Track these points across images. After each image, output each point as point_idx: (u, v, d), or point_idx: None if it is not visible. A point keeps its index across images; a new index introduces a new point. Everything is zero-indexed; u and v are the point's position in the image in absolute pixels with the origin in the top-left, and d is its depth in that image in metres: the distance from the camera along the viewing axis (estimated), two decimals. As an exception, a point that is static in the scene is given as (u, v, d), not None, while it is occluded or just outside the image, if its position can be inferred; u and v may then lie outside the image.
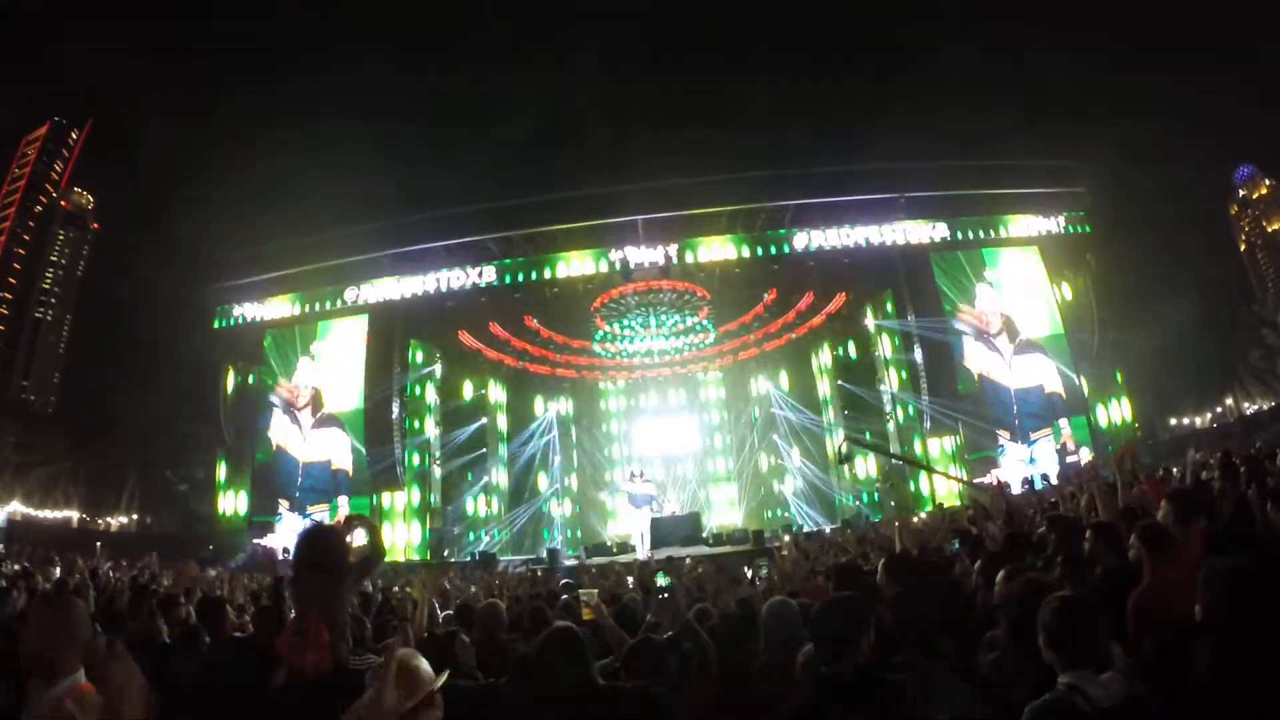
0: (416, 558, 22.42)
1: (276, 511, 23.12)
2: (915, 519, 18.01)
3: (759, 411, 30.57)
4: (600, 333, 26.61)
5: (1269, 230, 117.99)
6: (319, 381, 24.33)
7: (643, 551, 20.75)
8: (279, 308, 25.12)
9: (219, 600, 5.76)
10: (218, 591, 8.56)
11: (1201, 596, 2.64)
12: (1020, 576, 3.11)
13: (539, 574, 14.52)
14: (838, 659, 2.57)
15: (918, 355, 22.90)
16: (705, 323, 26.63)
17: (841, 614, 2.70)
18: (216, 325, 25.52)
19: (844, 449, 22.73)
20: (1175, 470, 10.69)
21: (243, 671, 3.26)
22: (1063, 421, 22.45)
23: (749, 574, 10.55)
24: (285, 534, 22.08)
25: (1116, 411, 23.22)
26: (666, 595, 4.79)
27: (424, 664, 2.24)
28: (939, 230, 23.71)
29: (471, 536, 25.82)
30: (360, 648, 2.98)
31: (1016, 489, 19.51)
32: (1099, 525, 4.59)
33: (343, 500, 22.77)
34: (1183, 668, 2.62)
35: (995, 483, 17.28)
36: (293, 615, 2.88)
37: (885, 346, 25.09)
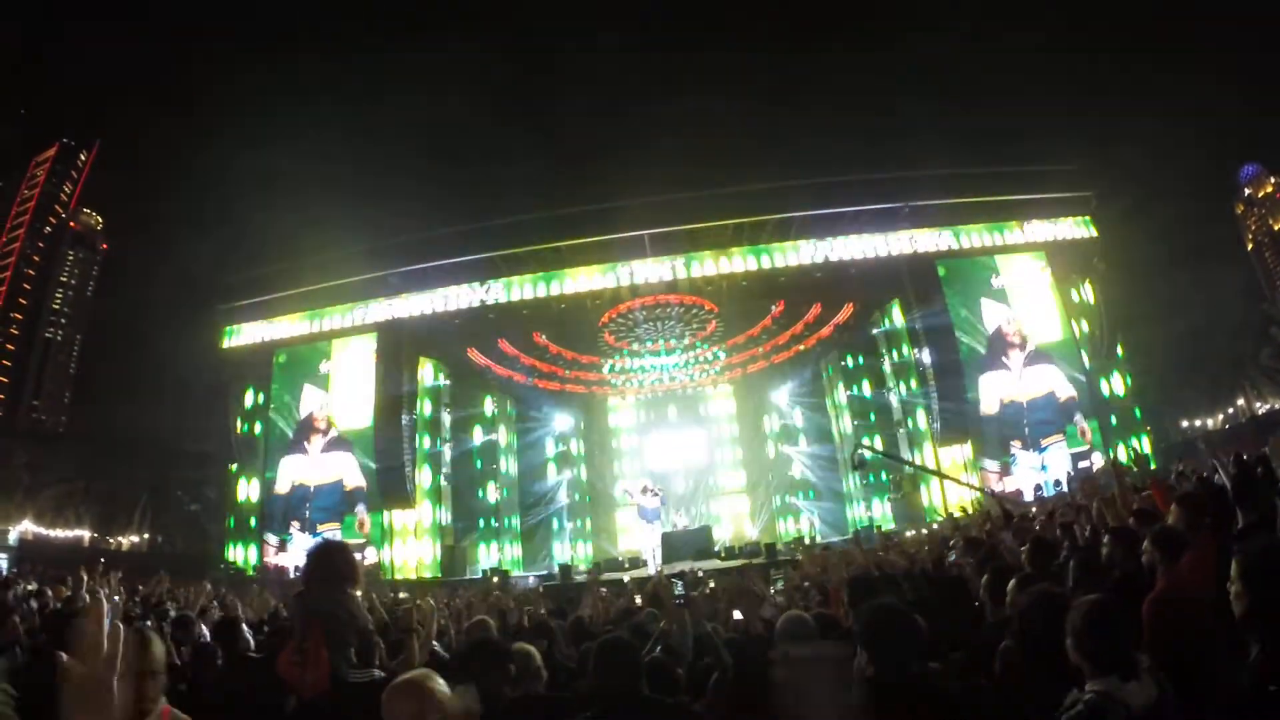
0: (429, 575, 22.41)
1: (288, 531, 23.14)
2: (925, 529, 17.95)
3: (769, 424, 30.48)
4: (612, 354, 26.69)
5: (1275, 228, 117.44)
6: (328, 401, 24.37)
7: (654, 566, 20.69)
8: (287, 327, 25.21)
9: (234, 620, 5.76)
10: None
11: (1243, 590, 2.32)
12: (1031, 588, 3.08)
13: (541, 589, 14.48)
14: (889, 668, 2.50)
15: (927, 362, 22.83)
16: (711, 342, 26.76)
17: (895, 623, 2.59)
18: (225, 345, 25.64)
19: (856, 459, 22.66)
20: (1184, 469, 10.63)
21: (255, 691, 3.26)
22: (1078, 419, 22.34)
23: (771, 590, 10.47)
24: (297, 553, 22.10)
25: (1127, 415, 23.07)
26: (682, 601, 4.76)
27: (440, 683, 2.23)
28: (945, 238, 23.69)
29: (483, 552, 25.80)
30: (369, 665, 2.97)
31: (1029, 496, 19.52)
32: (1116, 530, 4.55)
33: (360, 509, 22.80)
34: (1201, 672, 2.58)
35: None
36: (297, 632, 2.88)
37: (894, 355, 25.05)
